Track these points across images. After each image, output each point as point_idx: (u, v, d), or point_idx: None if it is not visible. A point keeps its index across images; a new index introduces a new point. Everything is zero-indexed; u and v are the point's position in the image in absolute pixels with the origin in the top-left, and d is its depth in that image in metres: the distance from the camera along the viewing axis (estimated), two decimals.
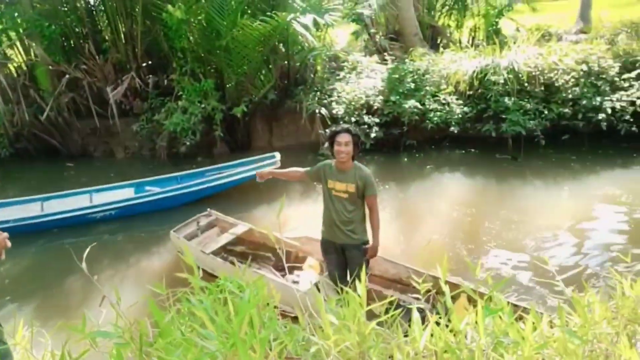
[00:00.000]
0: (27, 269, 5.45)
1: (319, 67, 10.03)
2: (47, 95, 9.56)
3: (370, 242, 3.34)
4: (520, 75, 7.73)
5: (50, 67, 9.37)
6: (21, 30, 9.68)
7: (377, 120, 8.28)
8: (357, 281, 1.61)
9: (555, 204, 6.12)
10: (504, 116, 7.64)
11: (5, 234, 1.87)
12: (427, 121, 8.04)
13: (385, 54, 10.04)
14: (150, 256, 5.60)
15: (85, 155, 10.21)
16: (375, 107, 8.38)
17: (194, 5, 8.20)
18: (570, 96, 7.51)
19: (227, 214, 5.32)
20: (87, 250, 1.59)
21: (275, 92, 9.27)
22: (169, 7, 7.87)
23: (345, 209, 3.24)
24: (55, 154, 10.13)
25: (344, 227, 3.26)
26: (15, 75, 9.91)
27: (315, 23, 7.89)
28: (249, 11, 8.81)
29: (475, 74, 8.08)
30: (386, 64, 9.40)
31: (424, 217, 6.10)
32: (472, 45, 10.41)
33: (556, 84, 7.64)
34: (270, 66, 9.32)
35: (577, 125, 7.54)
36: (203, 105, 8.64)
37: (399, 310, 1.65)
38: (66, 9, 9.86)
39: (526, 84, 7.79)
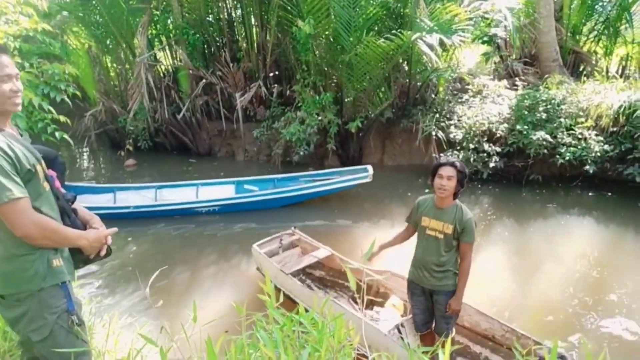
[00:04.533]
0: (135, 253, 5.99)
1: (441, 89, 9.68)
2: (185, 96, 10.57)
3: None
4: None
5: (190, 71, 10.33)
6: (171, 36, 10.85)
7: (498, 149, 7.70)
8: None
9: None
10: None
11: (114, 229, 1.98)
12: (558, 156, 7.26)
13: (517, 79, 9.33)
14: (243, 256, 5.78)
15: (210, 155, 11.07)
16: (498, 135, 7.80)
17: (323, 20, 8.41)
18: None
19: (316, 222, 5.21)
20: (156, 274, 1.61)
21: (392, 110, 9.15)
22: (299, 21, 8.18)
23: (438, 251, 2.94)
24: (186, 151, 11.15)
25: (435, 271, 2.96)
26: (161, 76, 11.12)
27: (442, 43, 7.59)
28: (376, 28, 8.80)
29: (622, 109, 7.10)
30: (516, 90, 8.72)
31: (540, 263, 5.45)
32: (621, 77, 9.22)
33: None
34: (391, 84, 9.22)
35: None
36: (320, 118, 8.82)
37: None
38: (210, 19, 10.82)
39: None
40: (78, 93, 5.12)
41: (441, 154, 8.14)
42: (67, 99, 4.90)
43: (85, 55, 11.09)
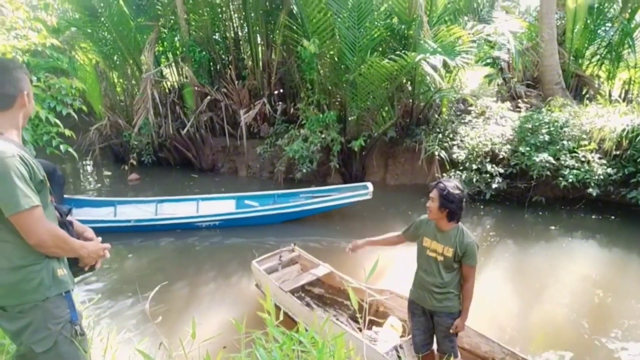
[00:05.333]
0: (134, 268, 5.98)
1: (444, 109, 9.73)
2: (190, 112, 10.65)
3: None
4: None
5: (196, 87, 10.42)
6: (177, 54, 10.99)
7: (501, 170, 7.70)
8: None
9: None
10: None
11: (108, 245, 1.98)
12: (561, 178, 7.25)
13: (520, 101, 9.39)
14: (243, 272, 5.74)
15: (213, 170, 11.09)
16: (501, 156, 7.81)
17: (328, 40, 8.52)
18: None
19: (317, 239, 5.18)
20: (156, 289, 1.60)
21: (395, 129, 9.19)
22: (305, 41, 8.28)
23: (438, 273, 2.90)
24: (189, 166, 11.19)
25: (436, 292, 2.92)
26: (167, 92, 11.22)
27: (445, 64, 7.66)
28: (380, 49, 8.90)
29: (625, 133, 7.12)
30: (519, 112, 8.77)
31: (542, 285, 5.39)
32: (624, 100, 9.26)
33: None
34: (394, 103, 9.28)
35: None
36: (323, 136, 8.85)
37: None
38: (217, 37, 10.97)
39: None
40: (84, 107, 5.16)
41: (444, 174, 8.15)
42: (73, 113, 4.94)
43: (92, 71, 11.22)
